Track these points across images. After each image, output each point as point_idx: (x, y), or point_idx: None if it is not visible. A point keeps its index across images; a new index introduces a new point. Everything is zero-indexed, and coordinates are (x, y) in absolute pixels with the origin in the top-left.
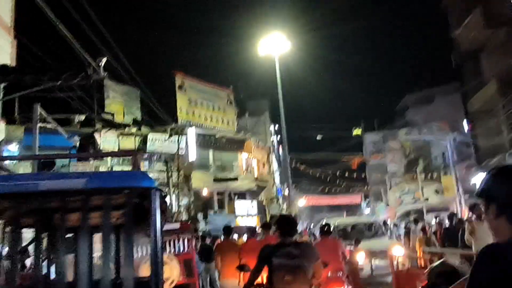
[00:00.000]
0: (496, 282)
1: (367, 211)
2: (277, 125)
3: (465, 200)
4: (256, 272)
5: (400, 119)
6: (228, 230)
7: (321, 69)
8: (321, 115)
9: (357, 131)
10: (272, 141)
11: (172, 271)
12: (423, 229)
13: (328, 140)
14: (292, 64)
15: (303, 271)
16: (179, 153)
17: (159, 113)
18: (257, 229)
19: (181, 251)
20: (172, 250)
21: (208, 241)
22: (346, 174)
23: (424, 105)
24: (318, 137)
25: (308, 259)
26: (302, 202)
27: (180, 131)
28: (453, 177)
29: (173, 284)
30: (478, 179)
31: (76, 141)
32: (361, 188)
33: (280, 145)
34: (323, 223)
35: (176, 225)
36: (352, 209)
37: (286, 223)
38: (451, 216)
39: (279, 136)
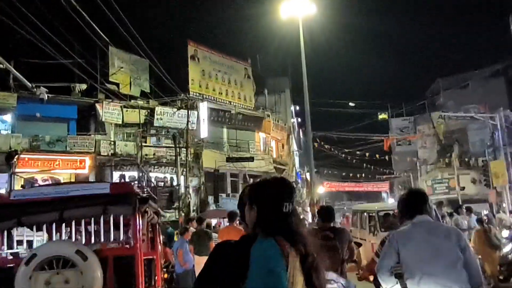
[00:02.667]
0: (221, 273)
1: (390, 200)
2: (297, 107)
3: None
4: None
5: (431, 103)
6: (233, 215)
7: (348, 39)
8: (347, 91)
9: (383, 116)
10: (293, 122)
11: (83, 279)
12: (480, 221)
13: (353, 119)
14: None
15: (337, 251)
16: (190, 128)
17: (169, 85)
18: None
19: (113, 240)
20: (90, 238)
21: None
22: (371, 158)
23: (458, 89)
24: (351, 104)
25: (342, 241)
26: (322, 188)
27: (191, 105)
28: (504, 161)
29: None
30: None
31: (43, 93)
32: (386, 176)
33: (301, 129)
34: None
35: (102, 186)
36: (372, 197)
37: (325, 212)
38: None
39: (299, 119)
